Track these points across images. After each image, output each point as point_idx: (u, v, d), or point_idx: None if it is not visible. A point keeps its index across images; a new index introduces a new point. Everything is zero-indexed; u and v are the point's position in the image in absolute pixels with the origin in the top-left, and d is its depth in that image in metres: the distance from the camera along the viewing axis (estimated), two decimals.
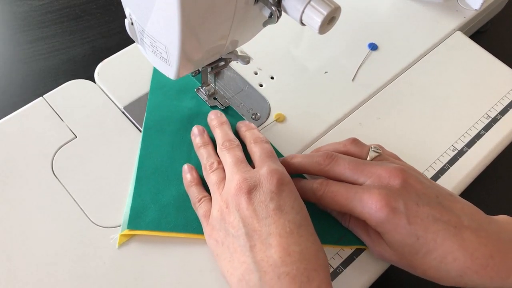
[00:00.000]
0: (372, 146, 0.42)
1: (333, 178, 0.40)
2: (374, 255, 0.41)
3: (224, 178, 0.40)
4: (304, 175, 0.44)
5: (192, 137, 0.45)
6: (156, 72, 0.50)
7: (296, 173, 0.42)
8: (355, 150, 0.42)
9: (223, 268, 0.37)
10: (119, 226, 0.41)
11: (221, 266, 0.37)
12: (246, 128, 0.45)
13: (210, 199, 0.41)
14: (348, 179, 0.40)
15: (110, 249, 0.40)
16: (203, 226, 0.40)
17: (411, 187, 0.38)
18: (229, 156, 0.41)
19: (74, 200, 0.42)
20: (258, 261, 0.34)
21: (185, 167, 0.43)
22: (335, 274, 0.41)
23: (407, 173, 0.38)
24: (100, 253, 0.40)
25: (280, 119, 0.49)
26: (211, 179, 0.41)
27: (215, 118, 0.45)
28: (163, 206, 0.42)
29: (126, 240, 0.41)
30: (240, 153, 0.41)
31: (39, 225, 0.41)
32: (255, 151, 0.41)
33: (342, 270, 0.41)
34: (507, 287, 0.37)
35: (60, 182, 0.43)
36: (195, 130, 0.45)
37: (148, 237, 0.41)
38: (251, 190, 0.37)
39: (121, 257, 0.40)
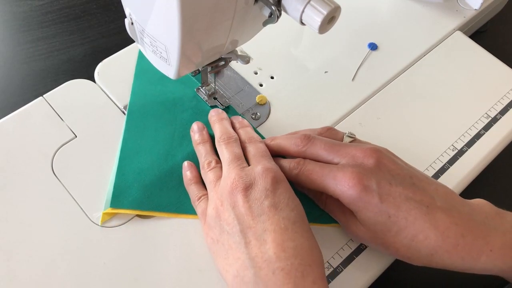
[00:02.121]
0: (347, 132, 0.43)
1: (310, 158, 0.41)
2: (348, 235, 0.42)
3: (221, 176, 0.40)
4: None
5: (192, 134, 0.45)
6: (140, 58, 0.51)
7: (275, 154, 0.43)
8: (329, 136, 0.43)
9: (219, 266, 0.37)
10: (119, 225, 0.42)
11: (217, 263, 0.38)
12: (240, 126, 0.45)
13: None
14: (324, 159, 0.40)
15: (110, 249, 0.40)
16: (201, 225, 0.40)
17: (385, 167, 0.38)
18: (227, 152, 0.41)
19: (74, 200, 0.42)
20: (253, 257, 0.35)
21: (185, 164, 0.44)
22: (335, 273, 0.41)
23: (382, 154, 0.39)
24: (100, 253, 0.40)
25: (263, 101, 0.50)
26: (208, 177, 0.41)
27: (215, 115, 0.46)
28: (146, 186, 0.43)
29: (108, 218, 0.42)
30: (238, 149, 0.42)
31: (39, 225, 0.41)
32: (250, 150, 0.42)
33: (342, 270, 0.41)
34: (478, 268, 0.37)
35: (60, 182, 0.43)
36: (195, 126, 0.45)
37: (149, 238, 0.41)
38: (247, 188, 0.37)
39: (121, 257, 0.40)
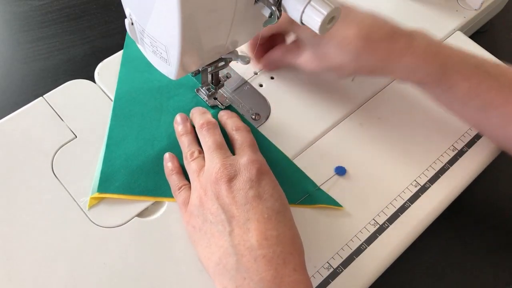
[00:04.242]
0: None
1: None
2: (307, 70, 0.47)
3: (203, 166, 0.41)
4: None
5: (175, 125, 0.46)
6: (127, 46, 0.51)
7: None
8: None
9: (200, 254, 0.38)
10: (119, 226, 0.42)
11: (198, 252, 0.38)
12: (228, 116, 0.46)
13: (190, 187, 0.41)
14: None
15: (110, 249, 0.40)
16: (182, 214, 0.41)
17: None
18: (209, 139, 0.41)
19: (74, 200, 0.42)
20: (236, 245, 0.35)
21: (166, 155, 0.44)
22: (335, 274, 0.41)
23: None
24: (100, 253, 0.40)
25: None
26: (191, 167, 0.41)
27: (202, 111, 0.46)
28: (133, 171, 0.43)
29: (96, 203, 0.42)
30: (219, 137, 0.42)
31: (39, 225, 0.41)
32: (237, 138, 0.42)
33: (342, 270, 0.41)
34: (400, 70, 0.43)
35: (60, 182, 0.43)
36: (178, 118, 0.46)
37: (149, 238, 0.41)
38: (231, 179, 0.37)
39: (121, 257, 0.40)
